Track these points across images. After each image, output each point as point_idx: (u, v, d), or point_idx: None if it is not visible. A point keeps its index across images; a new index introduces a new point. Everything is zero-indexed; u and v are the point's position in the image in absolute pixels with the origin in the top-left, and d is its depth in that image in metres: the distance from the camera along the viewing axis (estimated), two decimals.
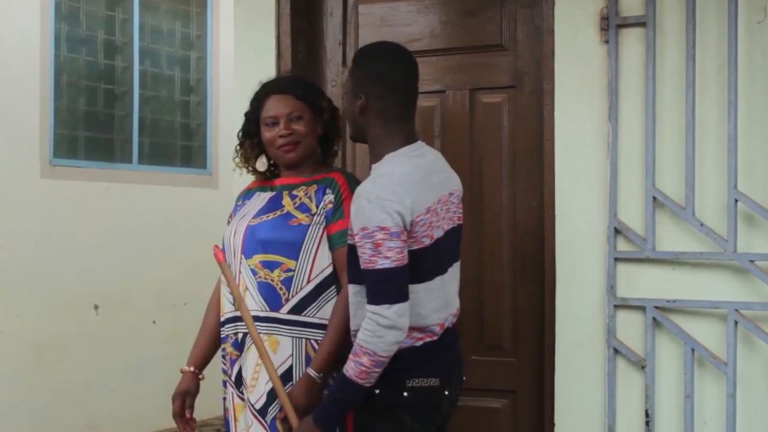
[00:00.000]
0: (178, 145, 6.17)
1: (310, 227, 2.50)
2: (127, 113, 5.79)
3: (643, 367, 2.78)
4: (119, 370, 5.56)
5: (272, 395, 2.46)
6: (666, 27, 2.78)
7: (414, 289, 2.26)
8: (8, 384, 5.01)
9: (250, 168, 2.69)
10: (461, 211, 2.46)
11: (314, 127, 2.60)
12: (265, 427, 2.48)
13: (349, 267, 2.33)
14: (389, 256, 2.18)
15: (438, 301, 2.33)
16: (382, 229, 2.18)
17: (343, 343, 2.40)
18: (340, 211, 2.51)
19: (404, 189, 2.23)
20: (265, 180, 2.69)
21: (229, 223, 2.67)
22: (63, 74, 5.41)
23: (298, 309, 2.47)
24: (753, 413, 2.69)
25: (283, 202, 2.56)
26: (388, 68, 2.36)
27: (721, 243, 2.69)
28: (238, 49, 3.38)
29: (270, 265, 2.49)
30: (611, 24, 2.81)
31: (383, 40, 2.62)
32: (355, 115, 2.39)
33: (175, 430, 2.76)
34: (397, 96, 2.36)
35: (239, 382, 2.54)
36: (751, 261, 2.66)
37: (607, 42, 2.83)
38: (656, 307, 2.76)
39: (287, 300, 2.47)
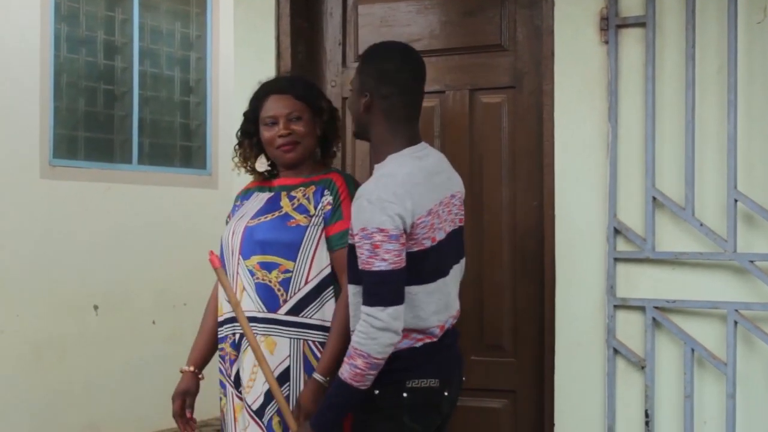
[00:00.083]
0: (178, 145, 6.17)
1: (309, 228, 2.50)
2: (127, 113, 5.79)
3: (642, 368, 2.78)
4: (119, 370, 5.56)
5: (269, 396, 2.46)
6: (666, 27, 2.78)
7: (414, 290, 2.26)
8: (8, 384, 5.01)
9: (249, 168, 2.69)
10: (463, 212, 2.46)
11: (313, 128, 2.60)
12: (261, 428, 2.48)
13: (349, 267, 2.32)
14: (386, 259, 2.18)
15: (438, 303, 2.33)
16: (382, 230, 2.18)
17: (347, 345, 2.40)
18: (338, 212, 2.51)
19: (406, 190, 2.23)
20: (263, 180, 2.69)
21: (227, 223, 2.67)
22: (63, 74, 5.41)
23: (296, 310, 2.47)
24: (753, 413, 2.69)
25: (282, 203, 2.56)
26: (395, 68, 2.36)
27: (720, 243, 2.69)
28: (237, 50, 3.38)
29: (268, 266, 2.49)
30: (611, 24, 2.81)
31: (392, 40, 2.62)
32: (359, 113, 2.39)
33: (175, 430, 2.76)
34: (404, 96, 2.35)
35: (238, 382, 2.54)
36: (751, 261, 2.66)
37: (606, 42, 2.83)
38: (656, 308, 2.76)
39: (285, 301, 2.47)
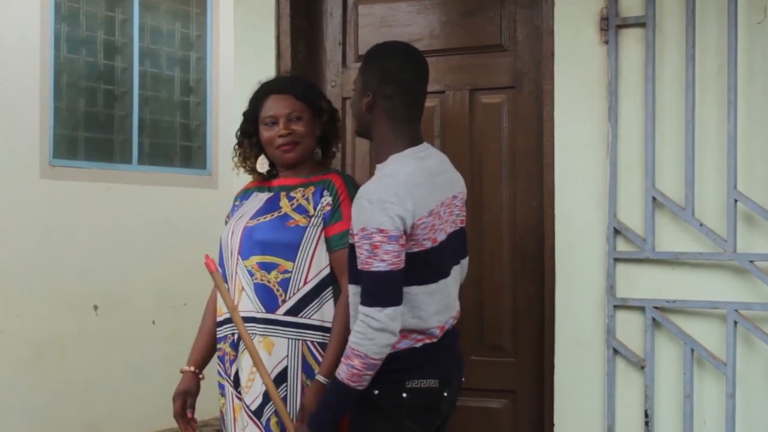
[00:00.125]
0: (178, 145, 6.17)
1: (308, 229, 2.50)
2: (127, 114, 5.79)
3: (642, 368, 2.78)
4: (119, 370, 5.56)
5: (268, 396, 2.46)
6: (666, 27, 2.78)
7: (414, 290, 2.26)
8: (8, 384, 5.01)
9: (248, 168, 2.69)
10: (464, 214, 2.46)
11: (313, 128, 2.60)
12: (260, 428, 2.48)
13: (350, 267, 2.32)
14: (385, 259, 2.18)
15: (439, 304, 2.33)
16: (381, 231, 2.18)
17: None
18: (338, 213, 2.51)
19: (407, 191, 2.23)
20: (262, 180, 2.69)
21: (226, 223, 2.67)
22: (63, 75, 5.41)
23: (294, 310, 2.47)
24: (752, 413, 2.69)
25: (281, 204, 2.56)
26: (397, 68, 2.35)
27: (720, 243, 2.69)
28: (237, 50, 3.38)
29: (267, 267, 2.48)
30: (611, 24, 2.81)
31: (395, 40, 2.62)
32: (362, 113, 2.39)
33: (175, 430, 2.76)
34: (406, 96, 2.35)
35: (237, 382, 2.54)
36: (751, 261, 2.66)
37: (606, 42, 2.83)
38: (656, 308, 2.76)
39: (284, 301, 2.47)
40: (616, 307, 2.81)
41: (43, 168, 5.23)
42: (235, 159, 2.70)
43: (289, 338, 2.47)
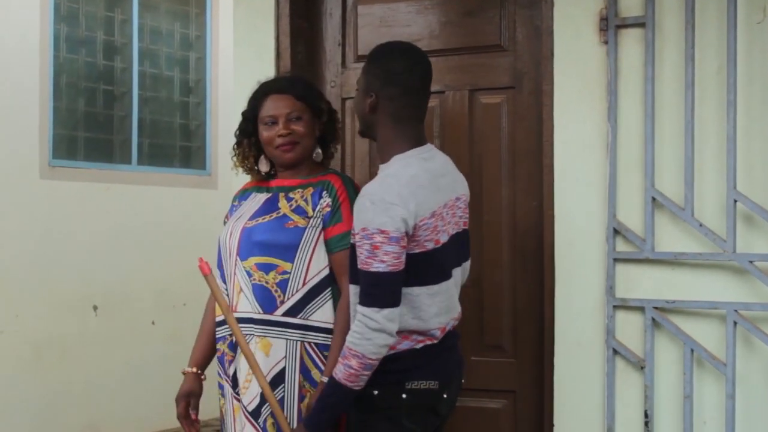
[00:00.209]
0: (178, 145, 6.16)
1: (306, 230, 2.49)
2: (127, 114, 5.79)
3: (642, 368, 2.78)
4: (119, 370, 5.56)
5: (265, 397, 2.46)
6: (665, 27, 2.78)
7: (415, 292, 2.26)
8: (8, 384, 5.01)
9: (247, 168, 2.69)
10: (467, 215, 2.46)
11: (313, 128, 2.60)
12: (257, 429, 2.47)
13: (351, 267, 2.32)
14: (385, 260, 2.18)
15: (440, 305, 2.32)
16: (382, 232, 2.18)
17: None
18: (338, 215, 2.50)
19: (410, 192, 2.22)
20: (260, 180, 2.68)
21: (225, 223, 2.67)
22: (62, 75, 5.41)
23: (293, 311, 2.47)
24: (752, 413, 2.69)
25: (279, 205, 2.55)
26: (401, 69, 2.35)
27: (720, 243, 2.69)
28: (237, 50, 3.38)
29: (265, 268, 2.48)
30: (610, 24, 2.81)
31: (399, 40, 2.61)
32: (365, 114, 2.38)
33: (176, 430, 2.75)
34: (409, 97, 2.34)
35: (236, 382, 2.54)
36: (751, 261, 2.66)
37: (606, 42, 2.83)
38: (655, 308, 2.76)
39: (282, 302, 2.47)
40: (615, 307, 2.81)
41: (42, 168, 5.23)
42: (234, 159, 2.70)
43: (287, 339, 2.47)
